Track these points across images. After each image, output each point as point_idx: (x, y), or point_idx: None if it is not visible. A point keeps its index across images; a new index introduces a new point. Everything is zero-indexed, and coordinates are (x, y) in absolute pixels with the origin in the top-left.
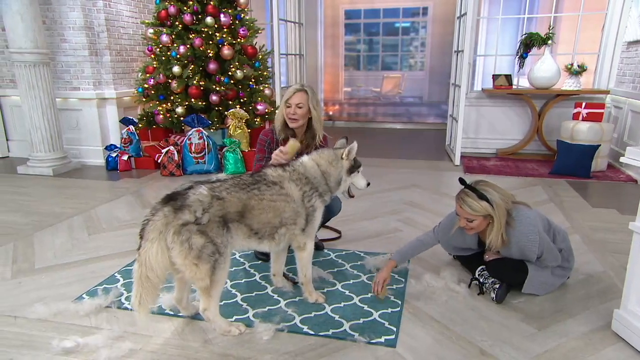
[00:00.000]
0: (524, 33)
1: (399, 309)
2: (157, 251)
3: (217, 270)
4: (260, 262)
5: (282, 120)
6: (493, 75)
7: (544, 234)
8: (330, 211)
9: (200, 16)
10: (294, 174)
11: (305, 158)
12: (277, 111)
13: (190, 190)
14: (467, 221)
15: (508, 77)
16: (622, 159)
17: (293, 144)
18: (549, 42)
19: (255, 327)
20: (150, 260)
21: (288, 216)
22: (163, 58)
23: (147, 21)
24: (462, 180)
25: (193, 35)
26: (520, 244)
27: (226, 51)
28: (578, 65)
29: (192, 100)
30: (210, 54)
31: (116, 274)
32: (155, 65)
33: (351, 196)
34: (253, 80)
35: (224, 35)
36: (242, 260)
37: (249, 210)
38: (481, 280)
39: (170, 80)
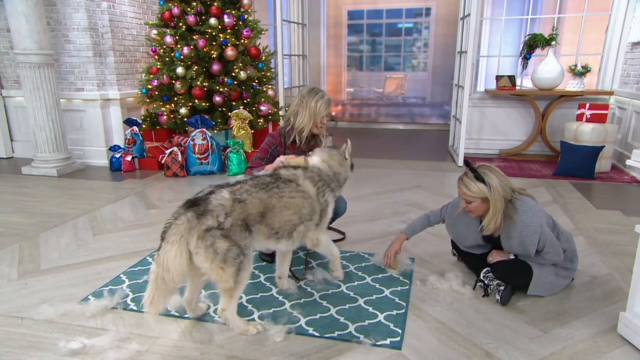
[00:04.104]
0: (527, 34)
1: (404, 310)
2: (176, 254)
3: (241, 272)
4: (265, 263)
5: (309, 127)
6: (496, 76)
7: (546, 226)
8: (336, 212)
9: (204, 17)
10: (307, 172)
11: (316, 159)
12: (304, 117)
13: (212, 195)
14: (467, 202)
15: (511, 78)
16: (628, 162)
17: (301, 161)
18: (553, 43)
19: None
20: (167, 262)
21: (306, 212)
22: (167, 59)
23: (150, 22)
24: (467, 162)
25: (197, 36)
26: (522, 233)
27: (230, 52)
28: (582, 66)
29: (196, 101)
30: (214, 55)
31: (121, 275)
32: (159, 66)
33: None
34: (256, 81)
35: (228, 36)
36: None
37: (270, 210)
38: (486, 282)
39: (173, 81)
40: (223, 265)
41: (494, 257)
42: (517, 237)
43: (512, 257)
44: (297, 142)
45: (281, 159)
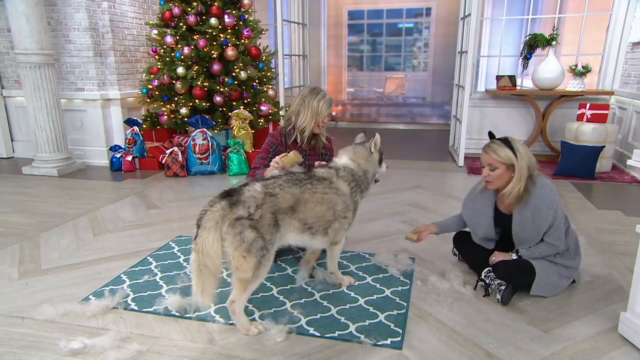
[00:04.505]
0: (527, 34)
1: (404, 310)
2: (213, 239)
3: (261, 266)
4: None
5: (311, 127)
6: (497, 76)
7: (559, 208)
8: None
9: (204, 17)
10: (340, 172)
11: (345, 159)
12: (306, 116)
13: (246, 187)
14: (490, 170)
15: (512, 78)
16: (628, 162)
17: (294, 157)
18: (553, 43)
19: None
20: (207, 248)
21: (340, 209)
22: (167, 59)
23: (151, 22)
24: (490, 134)
25: (197, 36)
26: (538, 206)
27: (230, 52)
28: (582, 66)
29: (196, 101)
30: (214, 55)
31: (122, 275)
32: (159, 66)
33: (376, 181)
34: (257, 81)
35: (228, 36)
36: None
37: (302, 204)
38: (487, 281)
39: (174, 81)
40: (246, 254)
41: (497, 257)
42: (531, 210)
43: (514, 257)
44: (299, 141)
45: (276, 159)
